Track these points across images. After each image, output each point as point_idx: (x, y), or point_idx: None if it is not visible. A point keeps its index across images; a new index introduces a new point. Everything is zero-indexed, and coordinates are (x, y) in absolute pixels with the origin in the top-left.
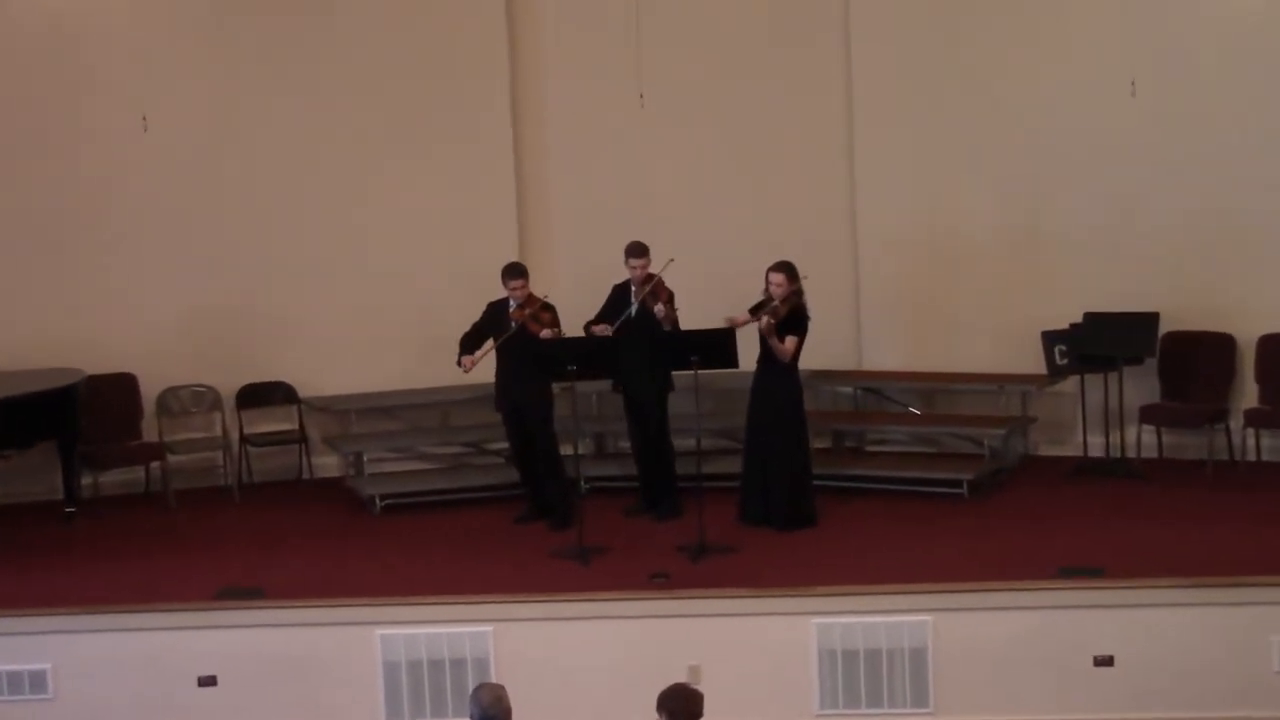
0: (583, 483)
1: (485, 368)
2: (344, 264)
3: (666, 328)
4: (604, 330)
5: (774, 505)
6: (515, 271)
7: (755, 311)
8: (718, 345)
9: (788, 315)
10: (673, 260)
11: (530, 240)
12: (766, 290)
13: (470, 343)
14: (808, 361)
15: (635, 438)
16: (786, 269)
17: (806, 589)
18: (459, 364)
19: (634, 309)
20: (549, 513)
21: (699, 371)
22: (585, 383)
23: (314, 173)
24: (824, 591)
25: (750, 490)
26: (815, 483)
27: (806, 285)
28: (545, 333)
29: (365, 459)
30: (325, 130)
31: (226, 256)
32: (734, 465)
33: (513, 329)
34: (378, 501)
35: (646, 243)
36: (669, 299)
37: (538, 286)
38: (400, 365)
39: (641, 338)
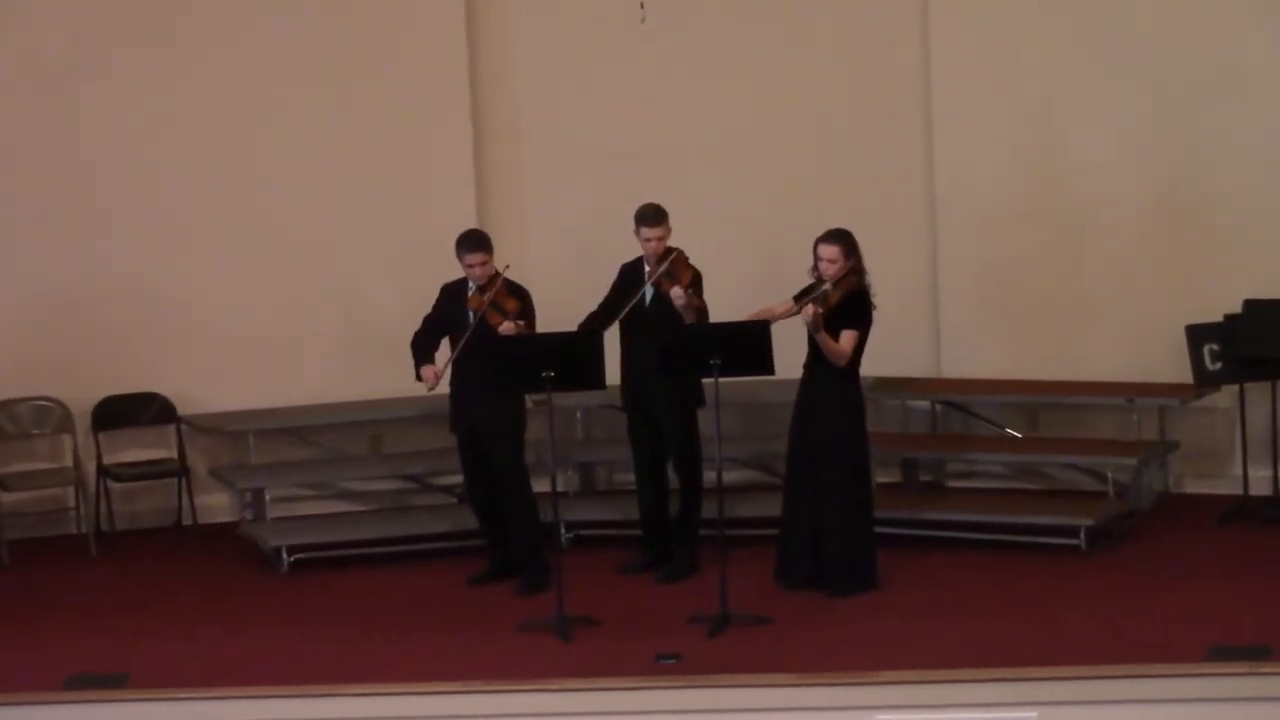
0: (564, 530)
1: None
2: (240, 238)
3: (688, 320)
4: (600, 331)
5: (824, 561)
6: (474, 242)
7: (802, 299)
8: (745, 343)
9: (843, 302)
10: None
11: (493, 204)
12: (815, 268)
13: (427, 344)
14: (871, 366)
15: (643, 469)
16: (841, 239)
17: (867, 675)
18: (419, 378)
19: (648, 294)
20: (517, 571)
21: (721, 380)
22: (567, 395)
23: (201, 118)
24: (891, 678)
25: (792, 541)
26: (879, 530)
27: (871, 264)
28: (505, 326)
29: (268, 498)
30: (218, 63)
31: (81, 228)
32: (769, 506)
33: (471, 322)
34: (285, 555)
35: (654, 204)
36: (692, 281)
37: (505, 262)
38: (316, 372)
39: (659, 333)
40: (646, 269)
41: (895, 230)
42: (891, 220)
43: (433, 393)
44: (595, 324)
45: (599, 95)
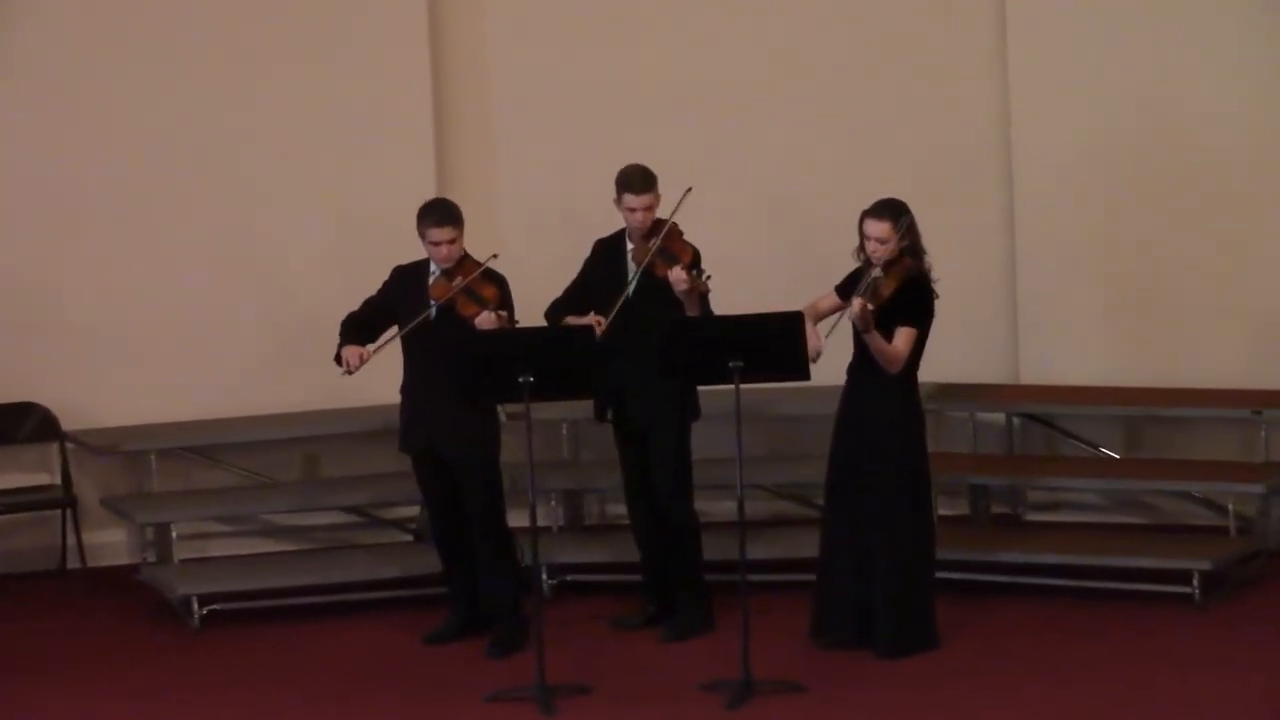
0: (545, 575)
1: (382, 376)
2: (138, 214)
3: (690, 309)
4: (592, 324)
5: (872, 614)
6: (441, 214)
7: (847, 290)
8: (778, 340)
9: (898, 293)
10: (690, 190)
11: (456, 171)
12: (861, 249)
13: (359, 330)
14: (932, 370)
15: (637, 499)
16: (893, 213)
17: None
18: (338, 361)
19: (633, 282)
20: (486, 626)
21: (743, 386)
22: (551, 405)
23: (82, 70)
24: None
25: (832, 589)
26: (940, 576)
27: (932, 243)
28: (485, 318)
29: (175, 535)
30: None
31: None
32: (804, 547)
33: (432, 312)
34: (196, 607)
35: (654, 170)
36: (692, 261)
37: (475, 243)
38: (235, 378)
39: (648, 329)
40: (630, 247)
41: (963, 203)
42: (958, 190)
43: (353, 379)
44: (567, 314)
45: (585, 39)
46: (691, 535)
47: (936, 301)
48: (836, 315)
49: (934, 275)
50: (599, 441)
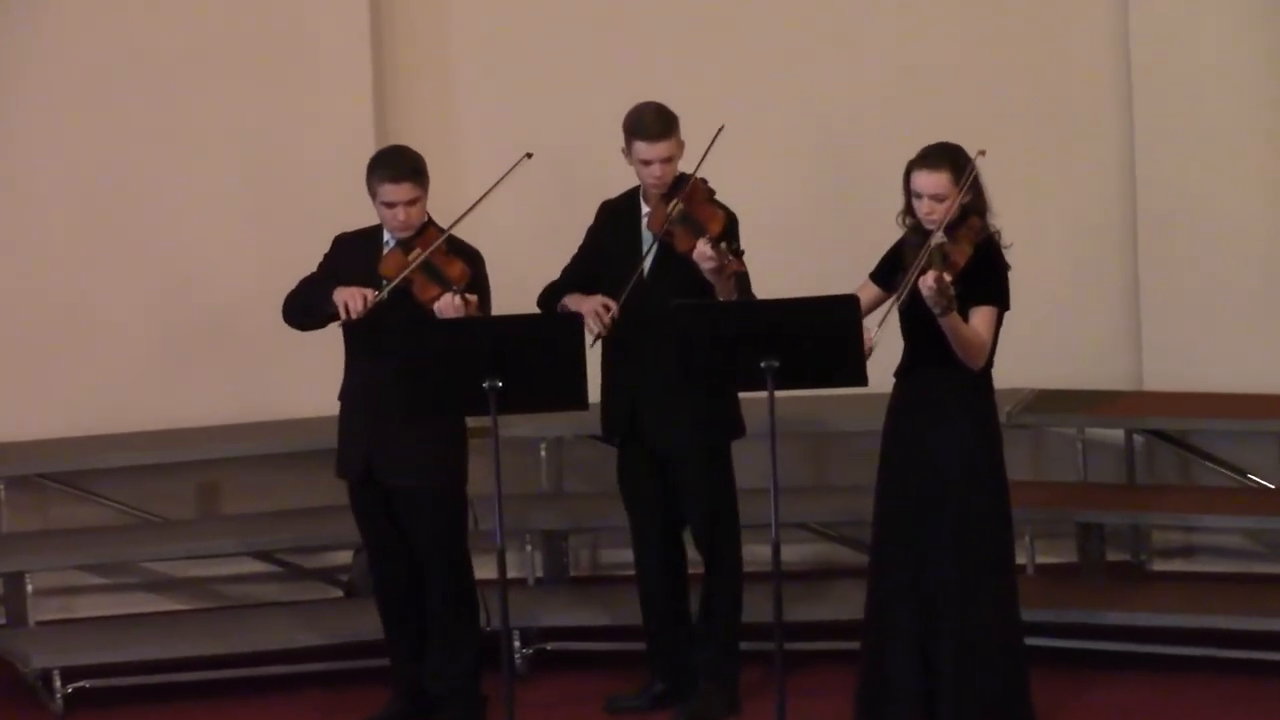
0: (518, 642)
1: (306, 381)
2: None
3: (723, 293)
4: (597, 309)
5: (943, 692)
6: (398, 167)
7: (887, 276)
8: (826, 334)
9: (972, 264)
10: (723, 129)
11: (404, 115)
12: (908, 212)
13: (305, 309)
14: (1030, 374)
15: (646, 542)
16: (951, 161)
17: None
18: (328, 314)
19: (649, 258)
20: (440, 707)
21: (780, 394)
22: (526, 419)
23: None
24: None
25: (887, 662)
26: (1034, 643)
27: (1009, 204)
28: (446, 303)
29: (30, 589)
30: None
31: None
32: (848, 606)
33: (384, 293)
34: (59, 684)
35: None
36: (723, 231)
37: (434, 209)
38: (112, 385)
39: (666, 319)
40: (644, 212)
41: (1072, 161)
42: (1066, 146)
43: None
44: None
45: None
46: (735, 592)
47: (1010, 271)
48: (885, 307)
49: (1005, 241)
50: (589, 466)
